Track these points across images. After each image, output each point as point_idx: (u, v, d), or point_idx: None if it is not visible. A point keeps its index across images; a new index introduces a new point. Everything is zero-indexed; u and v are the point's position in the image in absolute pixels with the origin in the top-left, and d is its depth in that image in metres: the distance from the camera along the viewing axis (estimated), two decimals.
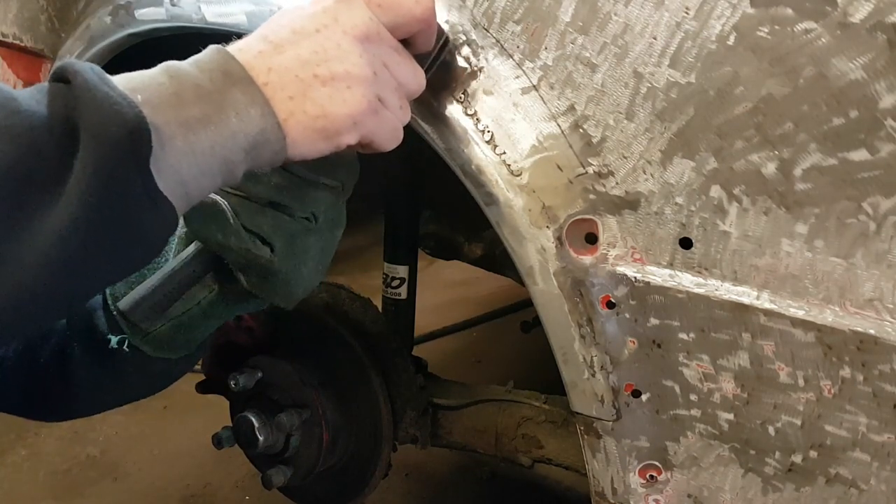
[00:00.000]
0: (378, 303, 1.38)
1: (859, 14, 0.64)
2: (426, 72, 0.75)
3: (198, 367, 1.30)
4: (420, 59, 0.74)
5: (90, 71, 0.53)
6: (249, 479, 1.99)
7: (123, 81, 0.55)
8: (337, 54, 0.64)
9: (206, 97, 0.58)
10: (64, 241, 0.52)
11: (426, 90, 0.74)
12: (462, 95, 0.81)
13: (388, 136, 0.70)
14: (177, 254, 0.81)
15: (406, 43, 0.72)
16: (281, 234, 0.74)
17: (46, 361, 0.90)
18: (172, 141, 0.55)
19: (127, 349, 0.85)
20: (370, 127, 0.67)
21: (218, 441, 1.24)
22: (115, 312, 0.84)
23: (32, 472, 2.10)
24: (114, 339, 0.85)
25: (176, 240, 0.81)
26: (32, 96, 0.53)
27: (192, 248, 0.79)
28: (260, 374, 1.21)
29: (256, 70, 0.61)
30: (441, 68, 0.80)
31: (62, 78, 0.54)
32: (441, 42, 0.77)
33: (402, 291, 1.44)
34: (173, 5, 0.95)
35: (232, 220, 0.72)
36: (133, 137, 0.52)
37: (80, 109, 0.52)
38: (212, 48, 0.61)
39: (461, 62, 0.81)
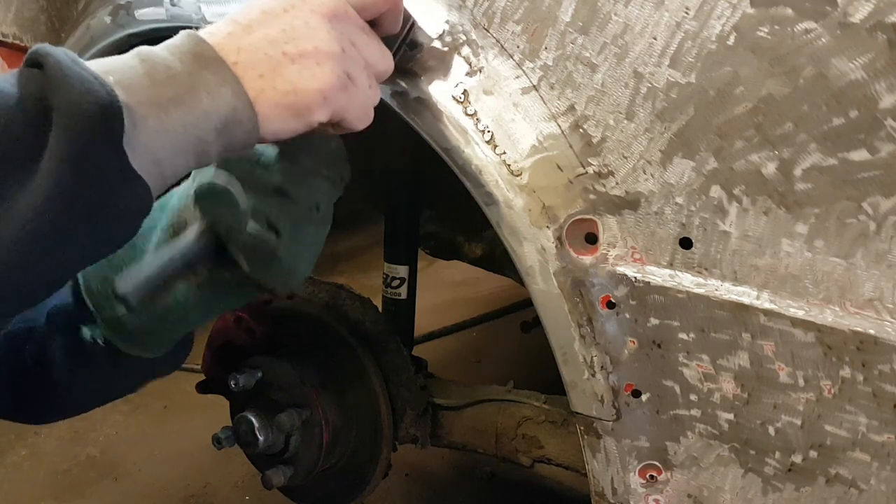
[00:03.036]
0: (378, 303, 1.37)
1: (859, 14, 0.64)
2: (394, 55, 0.76)
3: (198, 366, 1.31)
4: (387, 42, 0.75)
5: (62, 53, 0.54)
6: (249, 479, 1.98)
7: (96, 65, 0.56)
8: (305, 32, 0.65)
9: (178, 78, 0.59)
10: (39, 216, 0.53)
11: (426, 88, 0.74)
12: (462, 95, 0.81)
13: (359, 113, 0.71)
14: (159, 245, 0.80)
15: (373, 24, 0.73)
16: (286, 220, 0.76)
17: (29, 360, 0.89)
18: (145, 120, 0.57)
19: (101, 342, 0.84)
20: (341, 103, 0.68)
21: (218, 441, 1.23)
22: (87, 300, 0.83)
23: (32, 472, 2.10)
24: (85, 330, 0.84)
25: (158, 231, 0.81)
26: (6, 80, 0.54)
27: (195, 230, 0.78)
28: (260, 374, 1.21)
29: (226, 51, 0.62)
30: (441, 67, 0.80)
31: (35, 62, 0.55)
32: (408, 26, 0.78)
33: (402, 291, 1.44)
34: (173, 5, 0.95)
35: (242, 204, 0.74)
36: (105, 115, 0.53)
37: (53, 89, 0.53)
38: (183, 33, 0.63)
39: (461, 62, 0.81)
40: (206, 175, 0.76)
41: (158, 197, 0.62)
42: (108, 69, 0.56)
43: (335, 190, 0.79)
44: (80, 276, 0.84)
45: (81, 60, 0.55)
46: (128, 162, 0.55)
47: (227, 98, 0.61)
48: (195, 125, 0.59)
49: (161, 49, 0.61)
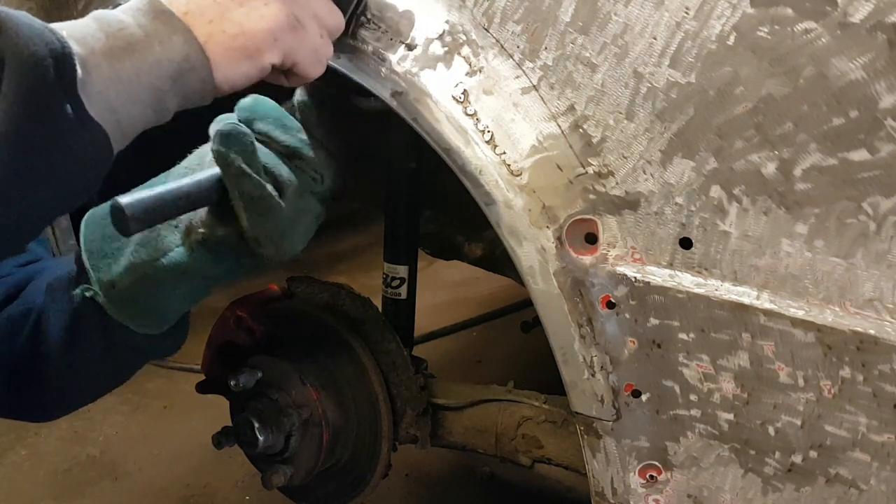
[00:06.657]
0: (378, 303, 1.37)
1: (859, 14, 0.64)
2: (347, 24, 0.80)
3: (198, 366, 1.31)
4: (340, 5, 0.79)
5: (16, 12, 0.56)
6: (249, 479, 1.99)
7: (52, 25, 0.59)
8: None
9: (129, 30, 0.62)
10: None
11: (426, 88, 0.74)
12: (462, 95, 0.81)
13: (311, 58, 0.74)
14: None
15: None
16: (292, 183, 0.79)
17: (24, 341, 0.90)
18: (99, 69, 0.59)
19: (89, 299, 0.84)
20: (290, 43, 0.70)
21: (218, 441, 1.23)
22: (86, 260, 0.83)
23: (32, 472, 2.10)
24: (78, 290, 0.85)
25: (171, 177, 0.82)
26: None
27: (207, 172, 0.78)
28: (260, 374, 1.21)
29: (177, 3, 0.65)
30: (441, 67, 0.80)
31: None
32: None
33: (402, 291, 1.44)
34: None
35: (259, 155, 0.76)
36: (56, 58, 0.55)
37: (5, 39, 0.55)
38: None
39: (461, 62, 0.81)
40: (231, 119, 0.78)
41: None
42: (63, 26, 0.59)
43: (337, 167, 0.84)
44: (82, 238, 0.85)
45: (36, 19, 0.57)
46: (83, 107, 0.57)
47: (179, 46, 0.63)
48: (149, 73, 0.62)
49: (116, 10, 0.63)
